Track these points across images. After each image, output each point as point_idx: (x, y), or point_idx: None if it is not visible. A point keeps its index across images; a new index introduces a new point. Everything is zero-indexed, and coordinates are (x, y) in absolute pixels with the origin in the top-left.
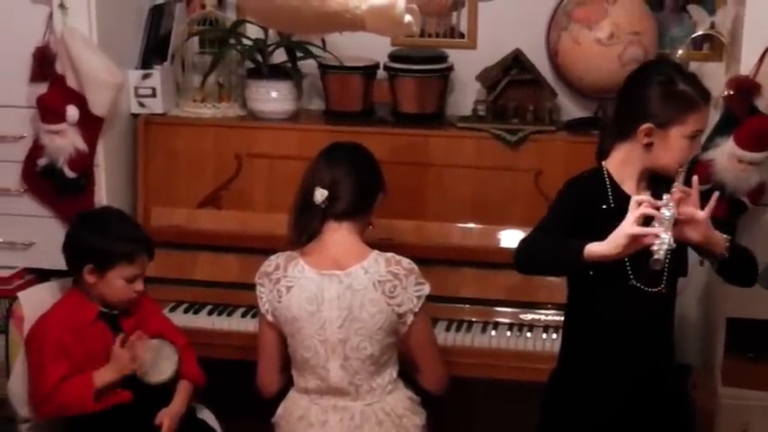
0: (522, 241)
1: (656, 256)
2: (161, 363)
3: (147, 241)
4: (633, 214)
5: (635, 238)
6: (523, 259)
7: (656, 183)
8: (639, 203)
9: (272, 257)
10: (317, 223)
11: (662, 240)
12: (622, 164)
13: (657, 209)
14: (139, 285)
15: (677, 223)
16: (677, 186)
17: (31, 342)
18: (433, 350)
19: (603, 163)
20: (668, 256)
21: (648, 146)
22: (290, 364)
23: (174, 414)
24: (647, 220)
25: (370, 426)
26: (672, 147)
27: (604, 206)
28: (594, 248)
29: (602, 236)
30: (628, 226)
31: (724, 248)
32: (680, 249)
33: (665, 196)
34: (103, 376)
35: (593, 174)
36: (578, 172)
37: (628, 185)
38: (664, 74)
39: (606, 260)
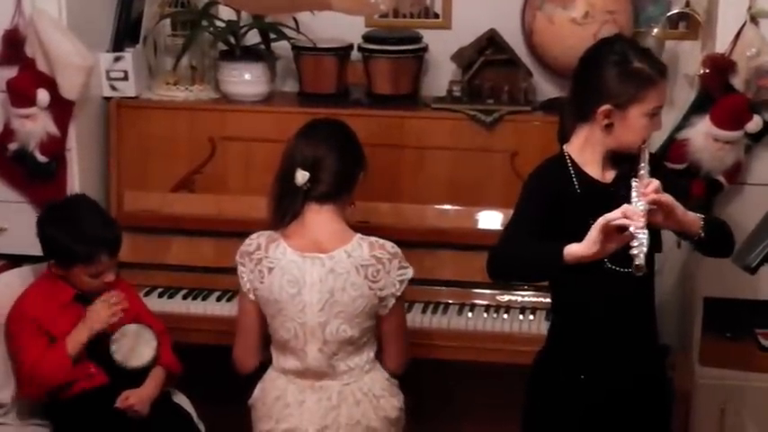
0: (495, 248)
1: (636, 262)
2: (140, 347)
3: (110, 240)
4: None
5: (609, 233)
6: (498, 268)
7: (620, 162)
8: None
9: (253, 236)
10: (298, 205)
11: (640, 242)
12: (583, 147)
13: (630, 202)
14: (108, 277)
15: (649, 211)
16: (637, 181)
17: (9, 327)
18: (404, 333)
19: (564, 147)
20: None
21: (609, 127)
22: (267, 342)
23: (142, 397)
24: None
25: (347, 406)
26: (632, 126)
27: (572, 191)
28: (573, 250)
29: (573, 223)
30: (599, 223)
31: (699, 228)
32: (655, 228)
33: (634, 183)
34: (76, 336)
35: (556, 161)
36: (553, 152)
37: (591, 168)
38: (617, 53)
39: (586, 260)
